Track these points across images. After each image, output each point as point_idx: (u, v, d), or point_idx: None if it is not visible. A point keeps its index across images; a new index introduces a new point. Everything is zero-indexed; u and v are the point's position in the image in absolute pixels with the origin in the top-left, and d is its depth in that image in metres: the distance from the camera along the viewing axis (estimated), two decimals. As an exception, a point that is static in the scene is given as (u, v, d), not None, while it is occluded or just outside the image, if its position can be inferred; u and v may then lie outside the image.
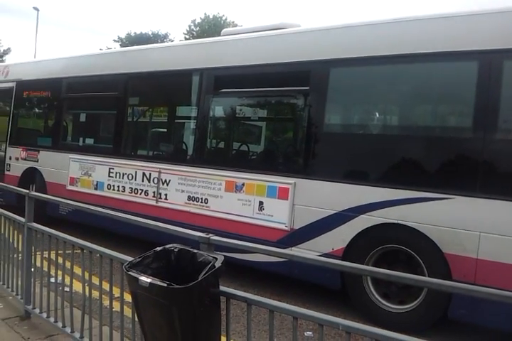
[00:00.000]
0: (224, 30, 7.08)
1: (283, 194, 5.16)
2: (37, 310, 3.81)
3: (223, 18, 42.60)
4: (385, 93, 5.03)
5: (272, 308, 2.22)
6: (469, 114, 4.39)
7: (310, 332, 4.18)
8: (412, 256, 4.39)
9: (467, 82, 4.37)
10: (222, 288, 2.33)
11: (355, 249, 4.64)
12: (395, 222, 4.41)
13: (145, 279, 2.12)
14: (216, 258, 2.24)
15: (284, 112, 6.34)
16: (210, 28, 39.26)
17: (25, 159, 8.61)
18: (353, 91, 5.17)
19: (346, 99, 5.32)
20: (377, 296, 4.60)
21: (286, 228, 5.13)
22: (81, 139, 8.41)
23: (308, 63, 5.18)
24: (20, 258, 4.14)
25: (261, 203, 5.35)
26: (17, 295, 4.13)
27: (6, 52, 38.37)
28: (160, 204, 6.35)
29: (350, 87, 5.17)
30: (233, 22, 40.89)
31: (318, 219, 4.91)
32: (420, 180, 4.49)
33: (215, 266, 2.18)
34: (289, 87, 5.60)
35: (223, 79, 6.12)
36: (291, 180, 5.13)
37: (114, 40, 42.15)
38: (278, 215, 5.20)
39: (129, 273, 2.20)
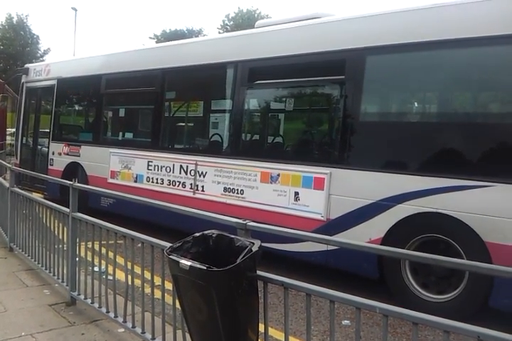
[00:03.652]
0: (258, 22, 7.09)
1: (319, 184, 5.16)
2: (82, 297, 3.96)
3: (257, 12, 42.48)
4: (421, 80, 4.93)
5: (308, 292, 2.24)
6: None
7: (347, 321, 4.19)
8: (451, 246, 4.32)
9: (509, 68, 4.24)
10: (259, 272, 2.37)
11: (393, 239, 4.58)
12: (434, 210, 4.35)
13: (185, 262, 2.19)
14: (253, 243, 2.29)
15: (319, 102, 6.31)
16: (243, 21, 39.24)
17: (67, 154, 8.91)
18: (390, 79, 5.10)
19: (382, 88, 5.25)
20: (416, 286, 4.55)
21: (322, 218, 5.12)
22: (120, 134, 8.63)
23: (344, 52, 5.14)
24: (65, 248, 4.31)
25: (296, 193, 5.36)
26: (63, 282, 4.30)
27: (46, 52, 39.47)
28: (197, 195, 6.45)
29: (387, 75, 5.09)
30: (267, 15, 40.66)
31: (355, 208, 4.88)
32: (459, 168, 4.40)
33: (252, 250, 2.22)
34: (324, 77, 5.56)
35: (257, 71, 6.14)
36: (327, 170, 5.11)
37: (150, 37, 42.75)
38: (314, 205, 5.20)
39: (170, 256, 2.27)
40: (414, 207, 4.48)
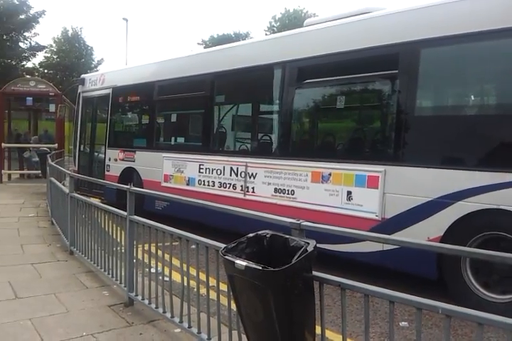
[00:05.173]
0: (307, 21, 7.01)
1: (373, 182, 5.04)
2: (139, 297, 4.04)
3: (304, 11, 42.12)
4: (480, 72, 4.73)
5: (366, 292, 2.18)
6: None
7: (405, 323, 4.06)
8: (515, 244, 4.11)
9: None
10: (315, 273, 2.33)
11: (452, 238, 4.40)
12: (496, 207, 4.14)
13: (241, 262, 2.18)
14: (308, 243, 2.25)
15: (370, 99, 6.15)
16: (290, 21, 38.99)
17: (123, 160, 9.19)
18: (446, 71, 4.90)
19: (438, 81, 5.06)
20: (477, 286, 4.36)
21: (376, 217, 5.00)
22: (173, 138, 8.81)
23: (397, 45, 4.99)
24: (122, 250, 4.43)
25: (349, 193, 5.26)
26: (121, 283, 4.42)
27: (100, 62, 40.87)
28: (248, 197, 6.47)
29: (443, 68, 4.90)
30: (314, 14, 40.22)
31: (412, 207, 4.73)
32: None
33: (307, 250, 2.18)
34: (376, 72, 5.40)
35: (306, 71, 6.09)
36: (381, 168, 4.98)
37: (198, 43, 43.38)
38: (368, 204, 5.08)
39: (226, 257, 2.27)
40: (475, 204, 4.28)
